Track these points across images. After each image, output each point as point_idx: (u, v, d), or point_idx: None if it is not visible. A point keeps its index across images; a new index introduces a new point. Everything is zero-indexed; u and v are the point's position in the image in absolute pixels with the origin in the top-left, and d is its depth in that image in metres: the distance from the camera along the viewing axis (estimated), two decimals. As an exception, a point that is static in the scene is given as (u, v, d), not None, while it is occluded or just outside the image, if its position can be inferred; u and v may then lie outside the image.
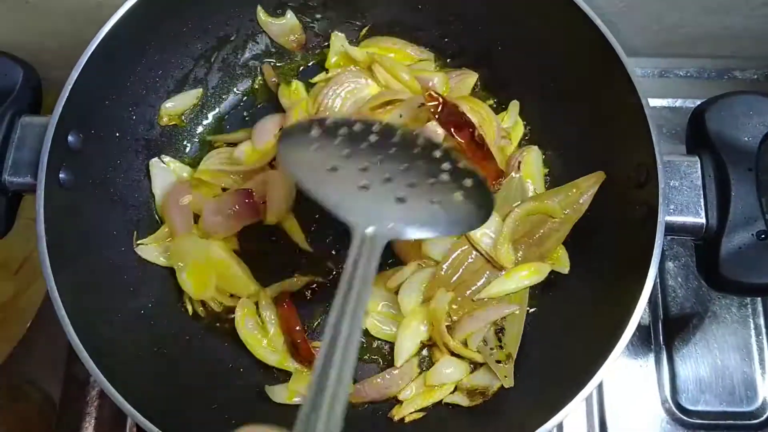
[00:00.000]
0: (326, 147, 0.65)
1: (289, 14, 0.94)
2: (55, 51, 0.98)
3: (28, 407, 0.97)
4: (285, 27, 0.95)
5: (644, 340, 0.91)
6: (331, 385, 0.46)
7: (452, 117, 0.79)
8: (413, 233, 0.61)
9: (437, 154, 0.66)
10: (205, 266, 0.82)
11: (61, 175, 0.72)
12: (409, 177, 0.64)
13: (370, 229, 0.57)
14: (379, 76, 0.89)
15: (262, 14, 0.92)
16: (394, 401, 0.82)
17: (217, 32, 0.91)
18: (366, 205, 0.61)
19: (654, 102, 1.01)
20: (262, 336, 0.83)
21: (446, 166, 0.65)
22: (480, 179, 0.66)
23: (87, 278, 0.74)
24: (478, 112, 0.85)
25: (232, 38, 0.93)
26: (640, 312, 0.65)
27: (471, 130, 0.79)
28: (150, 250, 0.85)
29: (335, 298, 0.52)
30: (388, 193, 0.62)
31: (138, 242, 0.84)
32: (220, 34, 0.92)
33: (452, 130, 0.78)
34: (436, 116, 0.78)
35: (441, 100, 0.78)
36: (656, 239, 0.66)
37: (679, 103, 1.03)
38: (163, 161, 0.90)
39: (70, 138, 0.73)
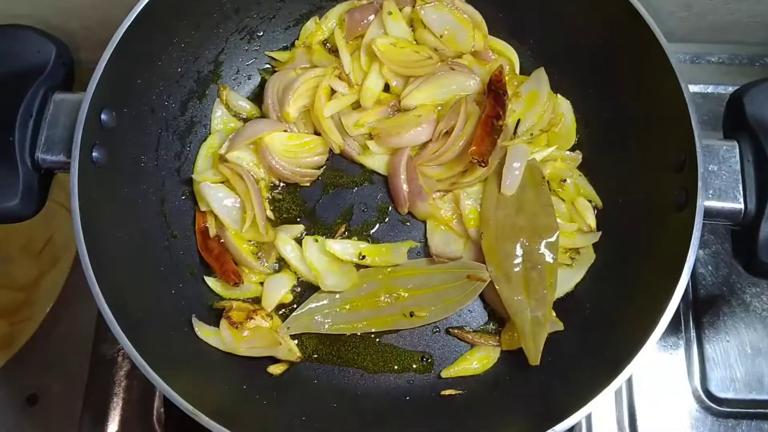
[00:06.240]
0: None
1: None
2: (81, 31, 0.97)
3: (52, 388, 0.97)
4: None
5: (674, 329, 0.91)
6: None
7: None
8: None
9: None
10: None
11: (93, 154, 0.71)
12: None
13: None
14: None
15: None
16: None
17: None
18: None
19: (686, 88, 1.01)
20: None
21: None
22: None
23: (118, 255, 0.73)
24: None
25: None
26: (678, 298, 0.64)
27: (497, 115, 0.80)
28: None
29: None
30: None
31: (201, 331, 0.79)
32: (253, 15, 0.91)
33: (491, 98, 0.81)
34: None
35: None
36: (695, 224, 0.66)
37: (711, 89, 1.03)
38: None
39: (103, 116, 0.72)
